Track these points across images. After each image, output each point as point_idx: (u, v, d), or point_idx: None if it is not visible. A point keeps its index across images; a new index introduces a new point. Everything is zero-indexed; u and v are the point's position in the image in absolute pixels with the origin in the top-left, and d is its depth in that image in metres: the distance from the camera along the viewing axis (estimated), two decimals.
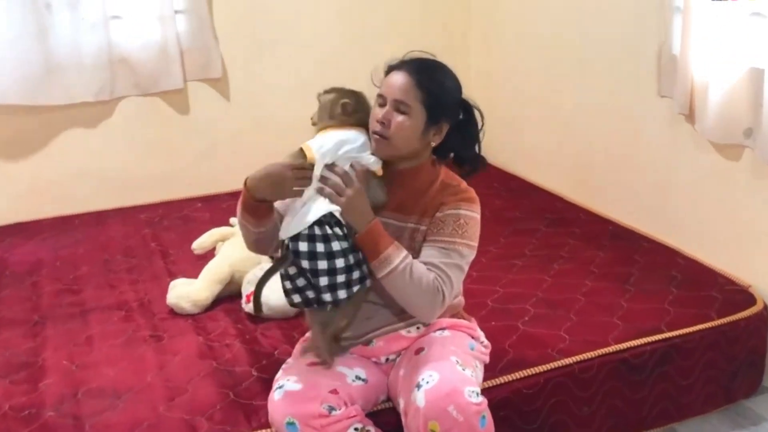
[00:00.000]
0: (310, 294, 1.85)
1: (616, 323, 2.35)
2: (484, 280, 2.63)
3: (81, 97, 3.34)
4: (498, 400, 2.03)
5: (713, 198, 2.67)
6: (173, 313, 2.53)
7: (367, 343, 1.99)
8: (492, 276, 2.68)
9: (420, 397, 1.75)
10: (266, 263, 2.67)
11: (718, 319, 2.38)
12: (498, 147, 3.70)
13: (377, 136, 1.88)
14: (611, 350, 2.23)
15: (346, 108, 1.91)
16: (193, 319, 2.49)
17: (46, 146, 3.42)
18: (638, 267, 2.70)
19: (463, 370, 1.82)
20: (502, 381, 2.10)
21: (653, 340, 2.28)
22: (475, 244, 1.95)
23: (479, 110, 1.98)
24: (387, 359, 2.01)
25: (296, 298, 1.87)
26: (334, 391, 1.83)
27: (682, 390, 2.35)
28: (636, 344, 2.26)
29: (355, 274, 1.84)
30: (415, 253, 1.91)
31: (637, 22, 2.88)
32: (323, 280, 1.81)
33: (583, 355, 2.21)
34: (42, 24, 3.18)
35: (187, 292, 2.54)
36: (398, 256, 1.84)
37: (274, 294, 2.47)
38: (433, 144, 1.94)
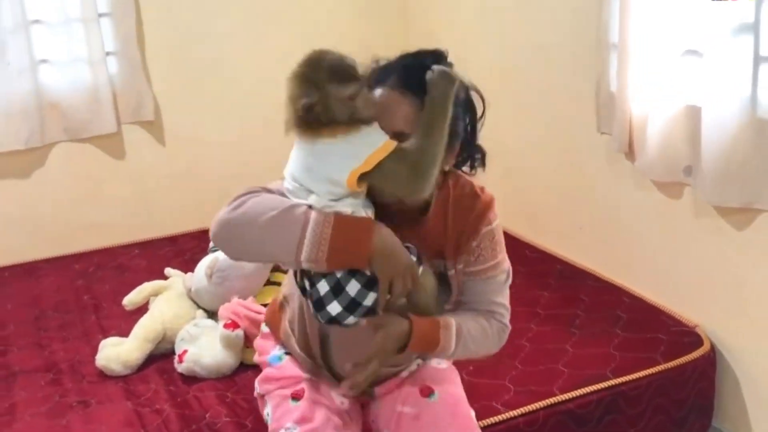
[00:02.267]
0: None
1: (561, 371, 2.29)
2: None
3: (10, 145, 3.22)
4: None
5: (657, 236, 2.63)
6: (103, 374, 2.41)
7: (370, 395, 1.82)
8: None
9: None
10: (201, 317, 2.58)
11: (665, 363, 2.32)
12: None
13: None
14: (556, 400, 2.16)
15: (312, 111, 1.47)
16: (124, 381, 2.37)
17: None
18: (584, 307, 2.65)
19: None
20: None
21: (599, 388, 2.21)
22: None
23: (480, 94, 1.72)
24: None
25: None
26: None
27: None
28: (581, 393, 2.19)
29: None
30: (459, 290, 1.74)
31: (575, 58, 2.84)
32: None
33: (528, 407, 2.14)
34: None
35: (117, 353, 2.42)
36: (451, 340, 1.67)
37: (207, 352, 2.38)
38: (446, 169, 1.67)
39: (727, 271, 2.38)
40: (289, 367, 1.82)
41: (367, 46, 1.69)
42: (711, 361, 2.39)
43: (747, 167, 2.18)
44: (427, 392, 1.76)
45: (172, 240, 3.44)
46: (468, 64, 1.71)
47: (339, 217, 1.50)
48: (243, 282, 2.53)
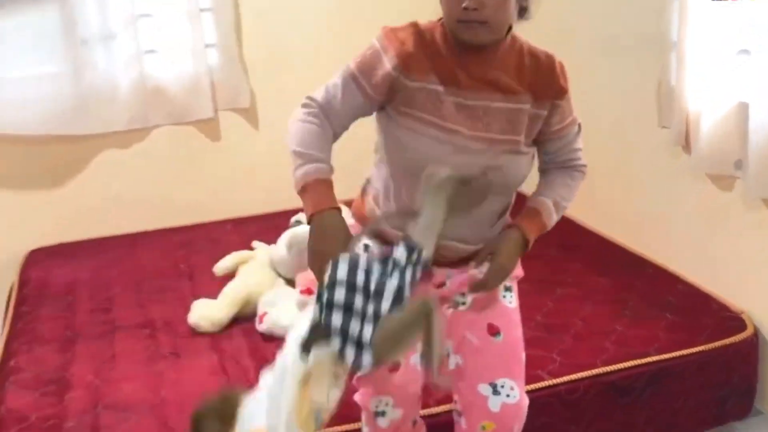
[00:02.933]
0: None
1: (607, 347, 2.46)
2: None
3: (116, 125, 3.56)
4: None
5: (709, 226, 2.76)
6: (194, 332, 2.71)
7: (440, 286, 1.94)
8: None
9: (496, 404, 1.87)
10: (281, 285, 2.86)
11: (708, 344, 2.46)
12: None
13: (472, 24, 1.65)
14: (598, 372, 2.34)
15: None
16: (211, 337, 2.67)
17: (84, 173, 3.64)
18: (637, 293, 2.80)
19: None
20: None
21: (640, 363, 2.38)
22: None
23: None
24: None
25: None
26: (419, 398, 2.00)
27: (671, 412, 2.45)
28: (623, 367, 2.36)
29: None
30: (530, 133, 1.80)
31: (639, 56, 2.98)
32: None
33: (571, 376, 2.33)
34: (79, 58, 3.40)
35: (206, 313, 2.73)
36: (552, 216, 1.87)
37: (285, 315, 2.65)
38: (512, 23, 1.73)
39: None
40: None
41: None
42: (754, 345, 2.52)
43: None
44: (493, 331, 1.91)
45: (261, 218, 3.72)
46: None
47: (310, 186, 1.72)
48: (302, 263, 2.78)
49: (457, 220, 1.71)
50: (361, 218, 1.93)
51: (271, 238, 3.16)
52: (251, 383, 2.31)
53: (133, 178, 3.72)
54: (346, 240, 1.68)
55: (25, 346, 2.69)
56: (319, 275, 1.61)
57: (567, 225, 3.47)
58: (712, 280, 2.75)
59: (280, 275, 2.90)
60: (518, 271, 1.99)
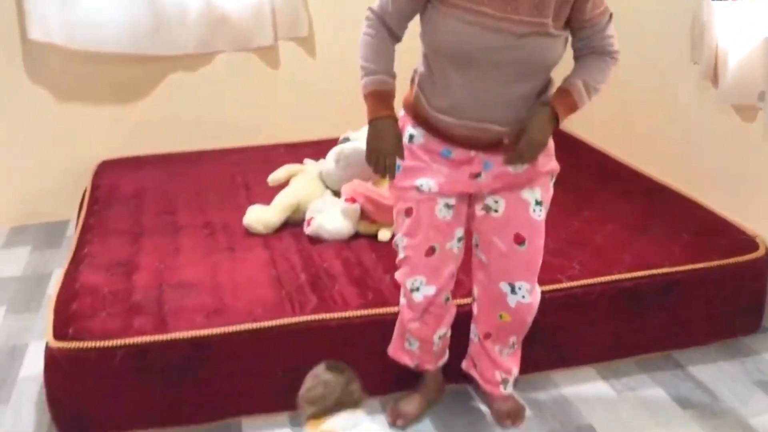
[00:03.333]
0: None
1: (624, 258, 2.66)
2: None
3: (183, 49, 3.82)
4: None
5: (732, 156, 2.92)
6: (248, 233, 2.98)
7: (476, 176, 2.10)
8: None
9: (513, 301, 2.19)
10: (329, 196, 3.10)
11: (721, 260, 2.65)
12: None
13: None
14: (612, 278, 2.55)
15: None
16: (264, 238, 2.93)
17: (152, 92, 3.93)
18: (660, 217, 2.97)
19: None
20: None
21: (653, 273, 2.58)
22: None
23: None
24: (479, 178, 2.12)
25: None
26: (452, 276, 2.22)
27: (681, 322, 2.65)
28: (636, 275, 2.57)
29: None
30: (560, 16, 1.94)
31: None
32: None
33: (587, 280, 2.54)
34: None
35: (260, 216, 2.99)
36: (583, 96, 2.02)
37: (330, 220, 2.91)
38: None
39: None
40: (417, 153, 2.13)
41: None
42: (765, 264, 2.69)
43: None
44: (520, 240, 2.15)
45: (313, 144, 3.96)
46: None
47: (369, 97, 2.05)
48: (364, 169, 3.01)
49: (488, 101, 1.97)
50: (408, 106, 2.15)
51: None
52: (297, 275, 2.61)
53: (196, 100, 3.99)
54: (396, 140, 2.07)
55: (97, 238, 2.99)
56: (375, 168, 2.10)
57: (602, 158, 3.67)
58: (731, 205, 2.92)
59: (327, 187, 3.15)
60: (553, 165, 2.18)
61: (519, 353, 2.36)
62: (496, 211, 2.15)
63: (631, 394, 2.47)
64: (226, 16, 3.84)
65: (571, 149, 3.82)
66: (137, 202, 3.35)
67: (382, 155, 2.07)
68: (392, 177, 2.13)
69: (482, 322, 2.29)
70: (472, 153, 2.07)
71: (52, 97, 3.84)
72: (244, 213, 3.05)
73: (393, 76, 2.06)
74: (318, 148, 3.76)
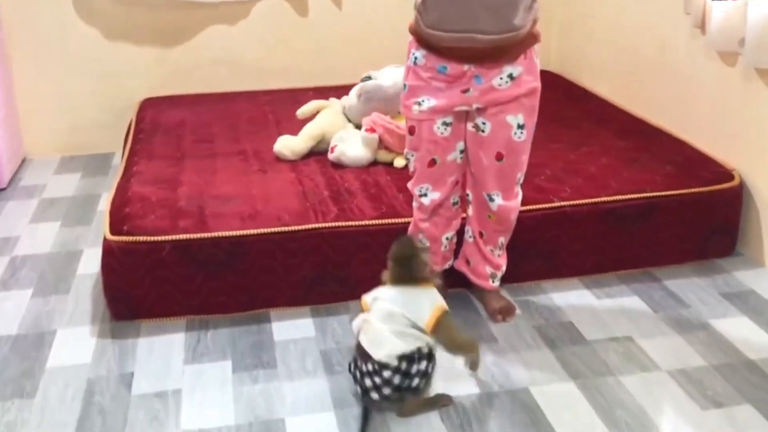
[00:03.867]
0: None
1: (611, 185, 2.98)
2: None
3: None
4: None
5: (716, 97, 3.22)
6: (278, 159, 3.33)
7: (465, 91, 2.38)
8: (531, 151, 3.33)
9: (494, 205, 2.53)
10: (351, 128, 3.44)
11: (698, 188, 2.97)
12: (564, 58, 4.37)
13: None
14: (599, 200, 2.88)
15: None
16: (292, 163, 3.29)
17: (193, 37, 4.29)
18: (649, 152, 3.28)
19: (518, 179, 2.54)
20: None
21: (635, 197, 2.91)
22: None
23: None
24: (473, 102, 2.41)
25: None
26: (455, 182, 2.56)
27: (660, 242, 2.97)
28: (619, 198, 2.90)
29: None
30: None
31: None
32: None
33: (576, 201, 2.87)
34: None
35: (288, 143, 3.35)
36: None
37: (351, 148, 3.25)
38: None
39: (763, 126, 2.96)
40: (419, 73, 2.43)
41: None
42: (738, 194, 3.01)
43: None
44: (499, 157, 2.47)
45: (339, 88, 4.28)
46: None
47: None
48: (383, 103, 3.35)
49: (471, 10, 2.24)
50: (411, 30, 2.45)
51: None
52: (320, 191, 2.96)
53: (233, 45, 4.34)
54: None
55: (144, 160, 3.36)
56: None
57: (603, 104, 3.98)
58: (714, 142, 3.23)
59: (350, 120, 3.49)
60: (536, 84, 2.43)
61: (505, 256, 2.71)
62: (483, 131, 2.46)
63: (610, 300, 2.81)
64: None
65: (577, 97, 4.15)
66: (178, 132, 3.72)
67: None
68: None
69: (474, 221, 2.64)
70: (465, 67, 2.36)
71: (100, 38, 4.22)
72: (273, 140, 3.41)
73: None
74: (343, 92, 4.09)
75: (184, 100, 4.20)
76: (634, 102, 3.84)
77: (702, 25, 3.17)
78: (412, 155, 2.53)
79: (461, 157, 2.53)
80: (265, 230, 2.71)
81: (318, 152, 3.37)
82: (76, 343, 2.60)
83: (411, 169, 2.56)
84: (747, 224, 3.08)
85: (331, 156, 3.27)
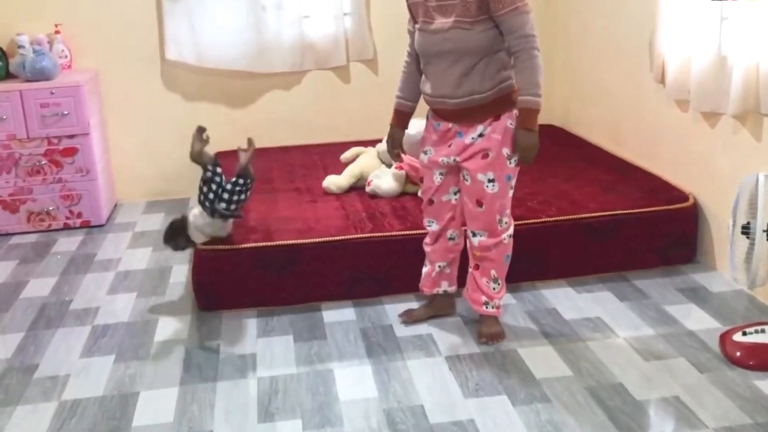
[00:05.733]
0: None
1: (590, 206, 3.76)
2: (524, 184, 4.08)
3: (280, 68, 5.10)
4: None
5: (676, 136, 4.00)
6: (325, 192, 4.17)
7: (450, 146, 3.00)
8: (530, 183, 4.11)
9: (476, 242, 3.08)
10: (384, 167, 4.27)
11: (658, 207, 3.73)
12: (566, 116, 5.20)
13: None
14: (578, 216, 3.66)
15: None
16: (336, 195, 4.12)
17: (257, 100, 5.21)
18: (624, 183, 4.06)
19: (500, 220, 3.03)
20: None
21: (608, 213, 3.68)
22: (528, 3, 2.81)
23: None
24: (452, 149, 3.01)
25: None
26: (451, 218, 3.17)
27: (631, 251, 3.73)
28: (595, 215, 3.67)
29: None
30: (468, 14, 2.78)
31: (640, 21, 4.23)
32: None
33: (559, 217, 3.65)
34: (258, 18, 4.96)
35: (334, 180, 4.19)
36: (533, 100, 2.82)
37: (384, 182, 4.07)
38: None
39: (712, 158, 3.72)
40: (428, 126, 3.15)
41: None
42: (693, 212, 3.76)
43: (714, 89, 3.53)
44: (480, 203, 3.02)
45: (375, 141, 5.14)
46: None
47: (393, 110, 3.26)
48: (408, 146, 4.17)
49: (440, 81, 2.92)
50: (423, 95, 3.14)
51: None
52: (359, 213, 3.77)
53: (289, 107, 5.24)
54: (395, 141, 3.26)
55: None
56: (389, 149, 3.29)
57: (593, 148, 4.77)
58: (674, 173, 4.01)
59: (383, 162, 4.32)
60: (500, 147, 2.94)
61: (503, 291, 3.17)
62: (467, 180, 3.03)
63: (587, 294, 3.56)
64: (312, 42, 5.11)
65: (574, 144, 4.95)
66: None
67: (389, 147, 3.29)
68: (396, 161, 3.39)
69: (471, 255, 3.18)
70: (450, 125, 3.00)
71: (181, 102, 5.15)
72: (321, 180, 4.25)
73: (413, 99, 3.15)
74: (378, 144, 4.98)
75: None
76: (616, 145, 4.64)
77: (662, 80, 3.97)
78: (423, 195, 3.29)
79: (455, 199, 3.14)
80: (317, 240, 3.53)
81: (357, 188, 4.20)
82: (177, 317, 3.44)
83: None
84: (702, 237, 3.82)
85: (368, 189, 4.09)
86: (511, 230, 3.12)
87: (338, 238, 3.55)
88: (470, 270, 3.22)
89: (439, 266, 3.29)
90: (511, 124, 2.94)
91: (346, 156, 4.44)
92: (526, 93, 2.85)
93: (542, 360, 3.02)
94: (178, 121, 5.13)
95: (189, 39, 4.95)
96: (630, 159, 4.44)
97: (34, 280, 3.99)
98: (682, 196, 3.82)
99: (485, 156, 2.96)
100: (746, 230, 2.86)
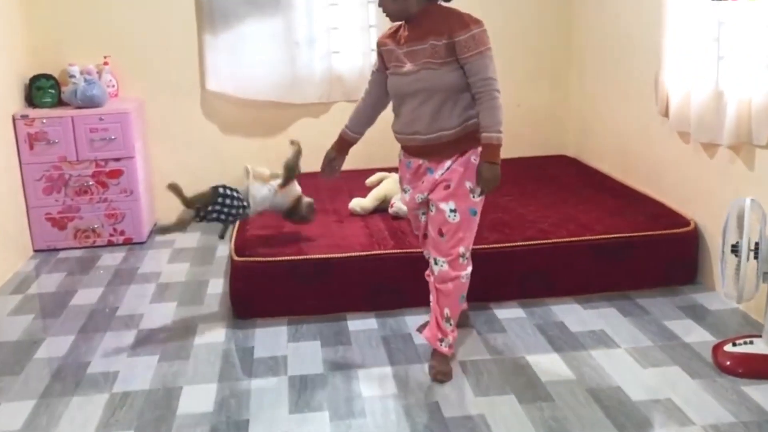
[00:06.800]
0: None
1: (598, 229, 4.05)
2: (536, 208, 4.39)
3: (311, 99, 5.46)
4: (512, 255, 3.84)
5: (676, 166, 4.29)
6: (351, 213, 4.50)
7: (422, 182, 3.18)
8: (543, 208, 4.41)
9: (436, 269, 3.17)
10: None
11: (661, 230, 4.01)
12: (579, 147, 5.51)
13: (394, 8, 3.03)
14: (587, 238, 3.95)
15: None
16: (362, 216, 4.45)
17: (288, 128, 5.57)
18: (631, 208, 4.35)
19: (462, 255, 3.14)
20: (519, 245, 3.91)
21: (614, 236, 3.97)
22: (490, 44, 2.99)
23: None
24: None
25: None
26: (424, 236, 3.42)
27: (635, 272, 4.00)
28: (602, 237, 3.96)
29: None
30: (437, 56, 2.97)
31: (648, 59, 4.54)
32: None
33: (569, 238, 3.95)
34: (292, 53, 5.34)
35: (359, 202, 4.51)
36: (494, 137, 2.97)
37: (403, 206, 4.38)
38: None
39: (711, 186, 4.01)
40: (401, 165, 3.36)
41: None
42: (694, 236, 4.04)
43: (712, 122, 3.82)
44: (441, 233, 3.12)
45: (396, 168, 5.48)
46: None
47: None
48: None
49: (411, 119, 3.10)
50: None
51: None
52: (382, 232, 4.09)
53: (318, 135, 5.53)
54: (326, 161, 3.68)
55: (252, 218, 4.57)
56: (323, 166, 3.65)
57: (602, 177, 5.07)
58: (677, 199, 4.29)
59: None
60: (463, 183, 3.09)
61: (455, 332, 3.26)
62: (431, 210, 3.18)
63: (593, 310, 3.84)
64: (340, 75, 5.47)
65: (585, 173, 5.26)
66: None
67: (324, 163, 3.65)
68: (326, 177, 3.65)
69: (431, 286, 3.29)
70: (420, 161, 3.17)
71: (217, 131, 5.52)
72: (347, 202, 4.58)
73: (358, 132, 3.52)
74: None
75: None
76: (625, 174, 4.94)
77: (666, 113, 4.27)
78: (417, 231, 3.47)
79: None
80: (343, 254, 3.86)
81: (381, 210, 4.52)
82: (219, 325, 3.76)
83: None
84: (702, 260, 4.09)
85: (390, 210, 4.41)
86: (469, 270, 3.22)
87: (363, 253, 3.86)
88: (431, 304, 3.30)
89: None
90: (474, 159, 3.09)
91: (371, 180, 4.77)
92: (489, 130, 3.01)
93: (548, 366, 3.30)
94: (215, 146, 5.50)
95: (228, 71, 5.33)
96: (636, 186, 4.73)
97: (82, 290, 4.34)
98: (684, 221, 4.11)
99: (447, 186, 3.12)
100: (735, 249, 3.14)
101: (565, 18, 5.67)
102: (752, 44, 3.54)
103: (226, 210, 3.88)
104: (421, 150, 3.16)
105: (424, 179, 3.20)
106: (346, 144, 3.57)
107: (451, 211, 3.12)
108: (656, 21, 4.22)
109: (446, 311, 3.23)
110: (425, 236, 3.36)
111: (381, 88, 3.33)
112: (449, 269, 3.17)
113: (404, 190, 3.36)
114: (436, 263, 3.21)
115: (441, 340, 3.25)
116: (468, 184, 3.10)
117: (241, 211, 3.93)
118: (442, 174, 3.12)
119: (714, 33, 3.76)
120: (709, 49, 3.80)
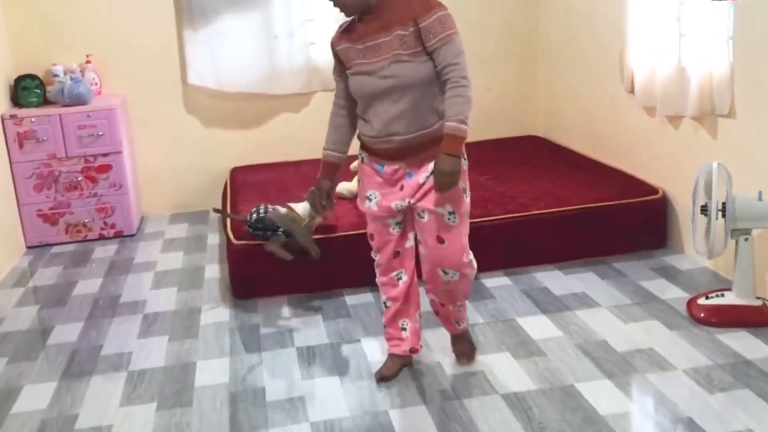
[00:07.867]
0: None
1: (573, 200, 4.31)
2: (514, 185, 4.64)
3: (290, 90, 5.65)
4: (495, 228, 4.08)
5: (645, 139, 4.58)
6: (339, 197, 4.69)
7: (401, 189, 2.85)
8: (520, 184, 4.66)
9: (446, 279, 2.93)
10: None
11: (631, 199, 4.29)
12: (548, 126, 5.78)
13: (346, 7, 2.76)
14: (560, 209, 4.21)
15: None
16: (348, 199, 4.65)
17: (269, 120, 5.75)
18: (602, 181, 4.62)
19: (470, 261, 2.94)
20: (501, 218, 4.14)
21: (587, 206, 4.24)
22: (456, 28, 2.71)
23: None
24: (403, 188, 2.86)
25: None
26: (396, 254, 3.02)
27: (609, 238, 4.28)
28: (575, 207, 4.23)
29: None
30: (406, 47, 2.68)
31: (612, 37, 4.81)
32: None
33: (547, 210, 4.21)
34: (271, 46, 5.52)
35: (346, 186, 4.72)
36: (460, 128, 2.65)
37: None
38: None
39: (677, 156, 4.29)
40: (365, 169, 3.00)
41: None
42: (662, 203, 4.33)
43: (676, 95, 4.10)
44: (440, 240, 2.88)
45: None
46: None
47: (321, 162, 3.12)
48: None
49: (376, 118, 2.77)
50: (358, 136, 3.03)
51: None
52: None
53: (299, 125, 5.78)
54: (318, 192, 3.14)
55: (241, 204, 4.75)
56: (316, 202, 3.13)
57: (575, 155, 5.34)
58: (646, 170, 4.58)
59: None
60: (453, 188, 2.76)
61: (465, 310, 3.17)
62: (423, 218, 2.89)
63: (573, 275, 4.10)
64: (318, 66, 5.66)
65: (557, 152, 5.52)
66: (262, 186, 5.11)
67: (316, 199, 3.14)
68: (318, 214, 3.38)
69: (433, 292, 3.07)
70: (397, 165, 2.84)
71: (199, 124, 5.68)
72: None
73: (342, 151, 3.07)
74: None
75: (263, 167, 5.61)
76: (595, 150, 5.21)
77: (632, 90, 4.55)
78: (376, 255, 3.11)
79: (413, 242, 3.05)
80: (338, 234, 4.07)
81: None
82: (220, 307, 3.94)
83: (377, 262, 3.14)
84: (671, 225, 4.38)
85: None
86: (475, 270, 3.04)
87: (355, 232, 4.08)
88: (436, 304, 3.15)
89: (419, 314, 3.21)
90: (463, 159, 2.83)
91: (354, 165, 4.97)
92: (454, 119, 2.70)
93: (537, 326, 3.55)
94: (198, 140, 5.66)
95: (208, 65, 5.49)
96: (606, 161, 5.01)
97: (82, 281, 4.49)
98: (652, 190, 4.39)
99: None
100: (704, 210, 3.41)
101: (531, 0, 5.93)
102: (711, 21, 3.83)
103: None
104: (399, 153, 2.84)
105: (403, 184, 2.89)
106: (334, 168, 3.15)
107: (450, 213, 2.87)
108: (619, 1, 4.49)
109: (458, 302, 3.11)
110: (396, 254, 3.05)
111: (349, 100, 3.01)
112: (459, 277, 2.96)
113: (368, 198, 3.00)
114: (446, 273, 2.95)
115: (457, 322, 3.19)
116: (461, 184, 2.85)
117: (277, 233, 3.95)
118: (428, 178, 2.83)
119: (675, 12, 4.04)
120: (671, 27, 4.07)
